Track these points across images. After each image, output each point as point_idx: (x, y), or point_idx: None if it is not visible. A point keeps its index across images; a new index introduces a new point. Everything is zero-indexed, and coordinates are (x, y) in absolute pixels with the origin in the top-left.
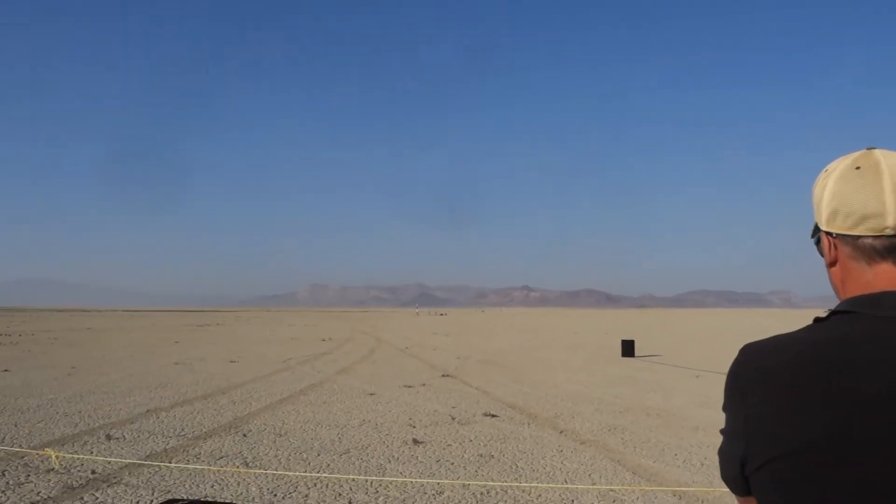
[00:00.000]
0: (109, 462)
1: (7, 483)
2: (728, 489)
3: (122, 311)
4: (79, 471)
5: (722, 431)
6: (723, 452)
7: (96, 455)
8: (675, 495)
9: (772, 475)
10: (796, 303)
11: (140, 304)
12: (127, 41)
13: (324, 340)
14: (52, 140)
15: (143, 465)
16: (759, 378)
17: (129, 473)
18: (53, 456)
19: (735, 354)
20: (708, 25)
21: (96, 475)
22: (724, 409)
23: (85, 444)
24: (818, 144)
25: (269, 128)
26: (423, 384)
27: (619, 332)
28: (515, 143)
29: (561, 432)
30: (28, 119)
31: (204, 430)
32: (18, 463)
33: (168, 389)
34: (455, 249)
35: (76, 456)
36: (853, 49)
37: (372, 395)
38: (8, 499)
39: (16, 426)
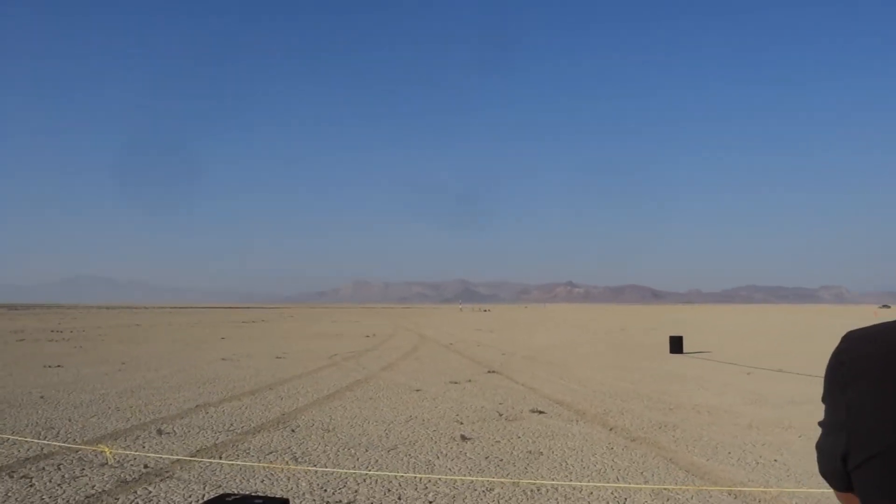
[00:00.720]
0: (161, 456)
1: (63, 476)
2: (826, 485)
3: (169, 307)
4: (132, 465)
5: (820, 423)
6: (821, 446)
7: (148, 450)
8: (730, 495)
9: (874, 471)
10: (849, 298)
11: (185, 301)
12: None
13: (367, 337)
14: (98, 138)
15: (194, 459)
16: (856, 368)
17: (181, 468)
18: (108, 452)
19: (786, 350)
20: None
21: (149, 469)
22: (824, 400)
23: (137, 438)
24: (869, 139)
25: (307, 124)
26: (469, 380)
27: (666, 329)
28: (555, 138)
29: (610, 429)
30: (68, 114)
31: (252, 425)
32: (73, 457)
33: (216, 385)
34: (497, 246)
35: (129, 452)
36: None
37: (418, 391)
38: (64, 492)
39: (70, 420)
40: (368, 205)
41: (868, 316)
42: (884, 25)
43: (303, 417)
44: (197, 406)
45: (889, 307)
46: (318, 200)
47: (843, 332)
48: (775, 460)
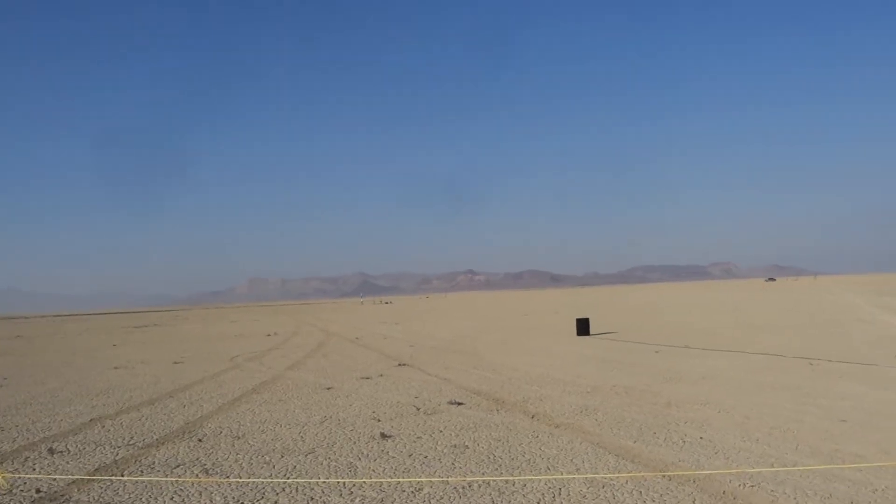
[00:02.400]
0: (55, 479)
1: None
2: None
3: (53, 316)
4: (22, 490)
5: None
6: None
7: (40, 472)
8: (665, 478)
9: None
10: (737, 273)
11: (71, 308)
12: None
13: (269, 335)
14: None
15: (93, 479)
16: None
17: (79, 490)
18: (0, 476)
19: (687, 327)
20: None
21: (42, 494)
22: None
23: (26, 460)
24: (753, 117)
25: (200, 118)
26: (381, 375)
27: (569, 311)
28: (454, 124)
29: (532, 417)
30: None
31: (155, 437)
32: None
33: (111, 396)
34: (396, 236)
35: (18, 476)
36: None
37: (329, 389)
38: None
39: None
40: (261, 199)
41: (756, 289)
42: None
43: (209, 425)
44: (91, 420)
45: (774, 279)
46: (208, 197)
47: (737, 305)
48: (700, 438)
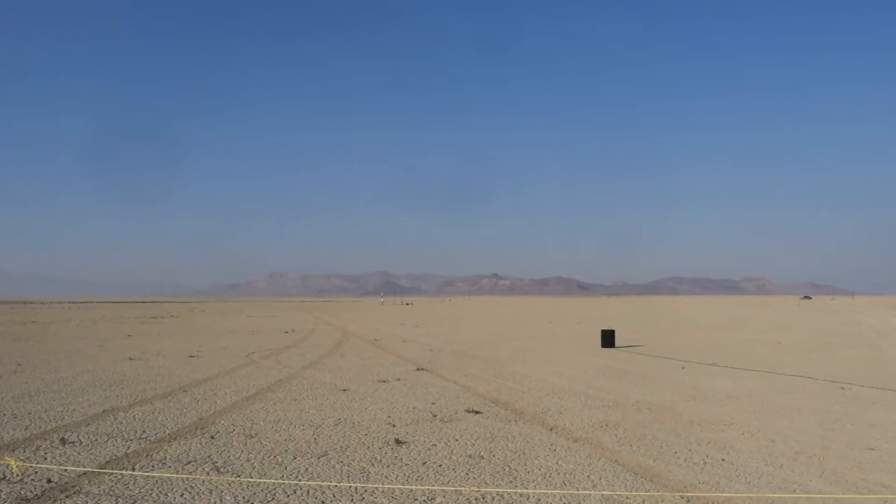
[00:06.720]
0: (66, 469)
1: None
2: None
3: (69, 302)
4: (33, 479)
5: None
6: None
7: (51, 461)
8: (683, 499)
9: None
10: (771, 290)
11: (86, 296)
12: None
13: (286, 332)
14: None
15: (104, 472)
16: None
17: (90, 482)
18: (14, 464)
19: (716, 343)
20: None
21: (53, 484)
22: None
23: (38, 449)
24: (787, 130)
25: (226, 112)
26: (398, 379)
27: (594, 321)
28: (482, 127)
29: (551, 429)
30: None
31: (167, 431)
32: None
33: (124, 387)
34: (420, 237)
35: (29, 465)
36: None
37: (345, 391)
38: None
39: None
40: (284, 193)
41: (790, 307)
42: None
43: (222, 422)
44: (104, 411)
45: (810, 298)
46: (230, 189)
47: (770, 323)
48: (723, 460)
